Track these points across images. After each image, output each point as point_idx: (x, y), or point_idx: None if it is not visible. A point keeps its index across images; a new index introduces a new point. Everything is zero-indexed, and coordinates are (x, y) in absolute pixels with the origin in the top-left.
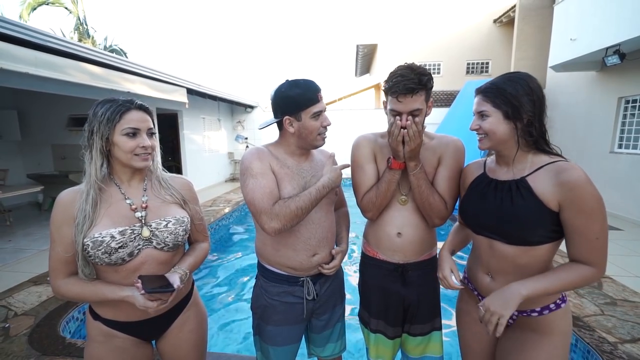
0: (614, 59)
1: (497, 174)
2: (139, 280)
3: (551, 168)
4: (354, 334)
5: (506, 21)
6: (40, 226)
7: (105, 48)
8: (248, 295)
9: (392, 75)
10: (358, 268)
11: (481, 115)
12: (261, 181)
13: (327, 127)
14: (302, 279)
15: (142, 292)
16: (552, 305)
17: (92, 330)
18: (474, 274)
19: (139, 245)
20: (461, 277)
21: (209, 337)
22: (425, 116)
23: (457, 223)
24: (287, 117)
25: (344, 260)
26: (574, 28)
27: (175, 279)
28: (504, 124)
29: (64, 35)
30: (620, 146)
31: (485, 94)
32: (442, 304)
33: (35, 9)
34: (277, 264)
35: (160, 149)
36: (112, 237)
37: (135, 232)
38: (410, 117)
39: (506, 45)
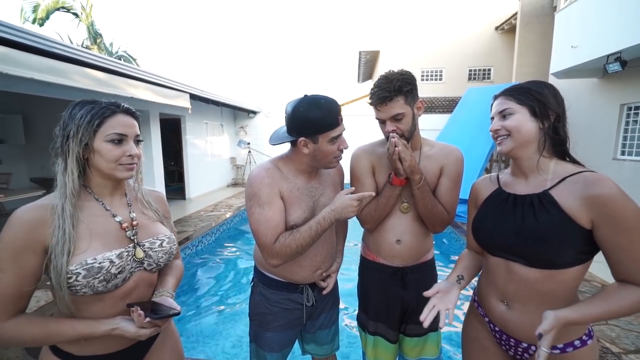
0: (615, 66)
1: (515, 187)
2: (137, 308)
3: (577, 179)
4: (349, 339)
5: (508, 28)
6: None
7: (110, 54)
8: (246, 300)
9: (372, 87)
10: (357, 272)
11: (503, 115)
12: (267, 213)
13: (344, 150)
14: (301, 286)
15: (147, 319)
16: (576, 342)
17: None
18: (486, 299)
19: (131, 268)
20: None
21: (203, 345)
22: (416, 117)
23: (465, 250)
24: (302, 138)
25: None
26: (575, 35)
27: (171, 302)
28: (530, 121)
29: (72, 42)
30: (623, 153)
31: (509, 92)
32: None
33: (49, 14)
34: (277, 274)
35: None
36: (111, 261)
37: (130, 253)
38: (395, 135)
39: (508, 52)
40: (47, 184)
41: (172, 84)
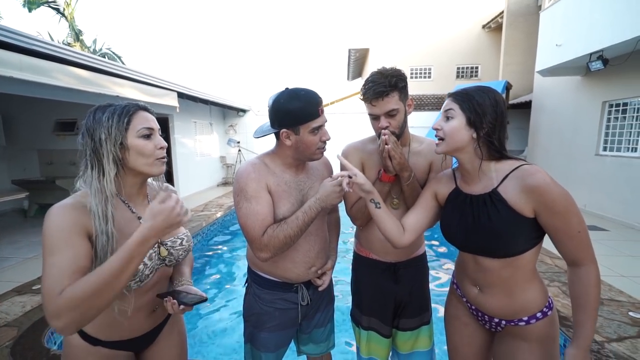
0: (597, 64)
1: (469, 188)
2: (170, 298)
3: (516, 174)
4: (343, 336)
5: (495, 27)
6: (26, 234)
7: (94, 52)
8: (238, 301)
9: (365, 82)
10: (350, 267)
11: (447, 117)
12: (255, 207)
13: (327, 141)
14: (295, 285)
15: (181, 307)
16: (538, 314)
17: (88, 357)
18: (462, 283)
19: (156, 265)
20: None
21: (198, 346)
22: (407, 114)
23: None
24: (284, 130)
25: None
26: (560, 34)
27: (195, 290)
28: (465, 129)
29: (52, 39)
30: (605, 149)
31: (455, 96)
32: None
33: (38, 5)
34: (271, 274)
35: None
36: (145, 264)
37: (156, 253)
38: (387, 132)
39: (495, 50)
40: (29, 186)
41: (159, 82)
